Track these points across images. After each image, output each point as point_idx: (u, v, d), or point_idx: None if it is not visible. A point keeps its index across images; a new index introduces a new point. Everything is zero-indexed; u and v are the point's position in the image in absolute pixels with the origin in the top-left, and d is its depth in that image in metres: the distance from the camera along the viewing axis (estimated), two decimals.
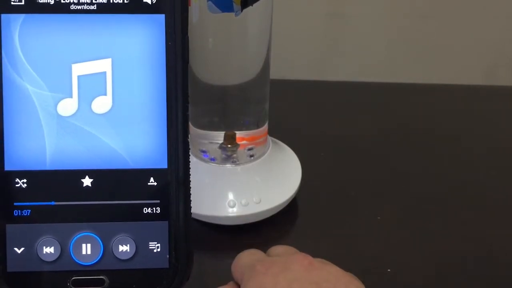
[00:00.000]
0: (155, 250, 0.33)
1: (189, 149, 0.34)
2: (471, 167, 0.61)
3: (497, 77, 0.90)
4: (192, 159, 0.52)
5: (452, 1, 0.86)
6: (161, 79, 0.33)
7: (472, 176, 0.60)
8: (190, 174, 0.34)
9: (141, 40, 0.33)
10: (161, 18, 0.33)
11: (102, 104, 0.33)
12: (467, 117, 0.70)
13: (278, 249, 0.42)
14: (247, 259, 0.39)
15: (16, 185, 0.33)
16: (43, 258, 0.33)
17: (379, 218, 0.53)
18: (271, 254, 0.42)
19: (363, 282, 0.37)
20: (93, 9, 0.33)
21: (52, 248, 0.33)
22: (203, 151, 0.53)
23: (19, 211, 0.33)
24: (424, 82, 0.77)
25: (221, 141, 0.52)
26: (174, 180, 0.33)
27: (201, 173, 0.51)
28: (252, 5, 0.46)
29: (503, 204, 0.56)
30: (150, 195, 0.33)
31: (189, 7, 0.47)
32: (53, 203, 0.33)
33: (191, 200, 0.34)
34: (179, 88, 0.33)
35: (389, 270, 0.39)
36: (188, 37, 0.33)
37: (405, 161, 0.61)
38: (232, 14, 0.46)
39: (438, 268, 0.48)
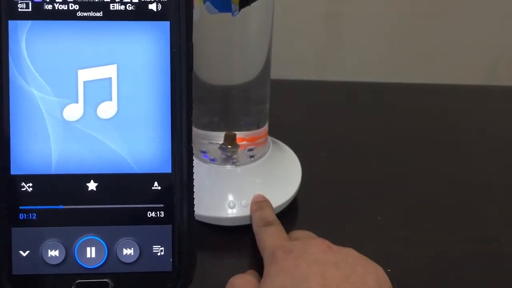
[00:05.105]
0: (158, 254, 0.33)
1: (193, 153, 0.34)
2: (471, 167, 0.61)
3: (497, 77, 0.90)
4: None
5: (452, 1, 0.86)
6: (165, 85, 0.33)
7: (472, 176, 0.60)
8: (193, 179, 0.34)
9: (146, 46, 0.33)
10: (166, 25, 0.33)
11: (107, 109, 0.33)
12: (467, 117, 0.70)
13: (298, 233, 0.44)
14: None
15: (22, 189, 0.33)
16: (48, 261, 0.33)
17: (379, 218, 0.53)
18: (291, 238, 0.43)
19: None
20: (99, 16, 0.33)
21: (57, 251, 0.33)
22: (203, 152, 0.53)
23: (25, 214, 0.33)
24: (424, 82, 0.77)
25: (221, 142, 0.52)
26: (178, 184, 0.34)
27: (201, 173, 0.51)
28: (249, 5, 0.46)
29: (504, 204, 0.56)
30: (154, 199, 0.34)
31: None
32: (61, 207, 0.33)
33: (194, 204, 0.34)
34: (184, 94, 0.33)
35: (389, 270, 0.39)
36: (192, 43, 0.34)
37: (405, 161, 0.61)
38: None
39: (438, 268, 0.48)
